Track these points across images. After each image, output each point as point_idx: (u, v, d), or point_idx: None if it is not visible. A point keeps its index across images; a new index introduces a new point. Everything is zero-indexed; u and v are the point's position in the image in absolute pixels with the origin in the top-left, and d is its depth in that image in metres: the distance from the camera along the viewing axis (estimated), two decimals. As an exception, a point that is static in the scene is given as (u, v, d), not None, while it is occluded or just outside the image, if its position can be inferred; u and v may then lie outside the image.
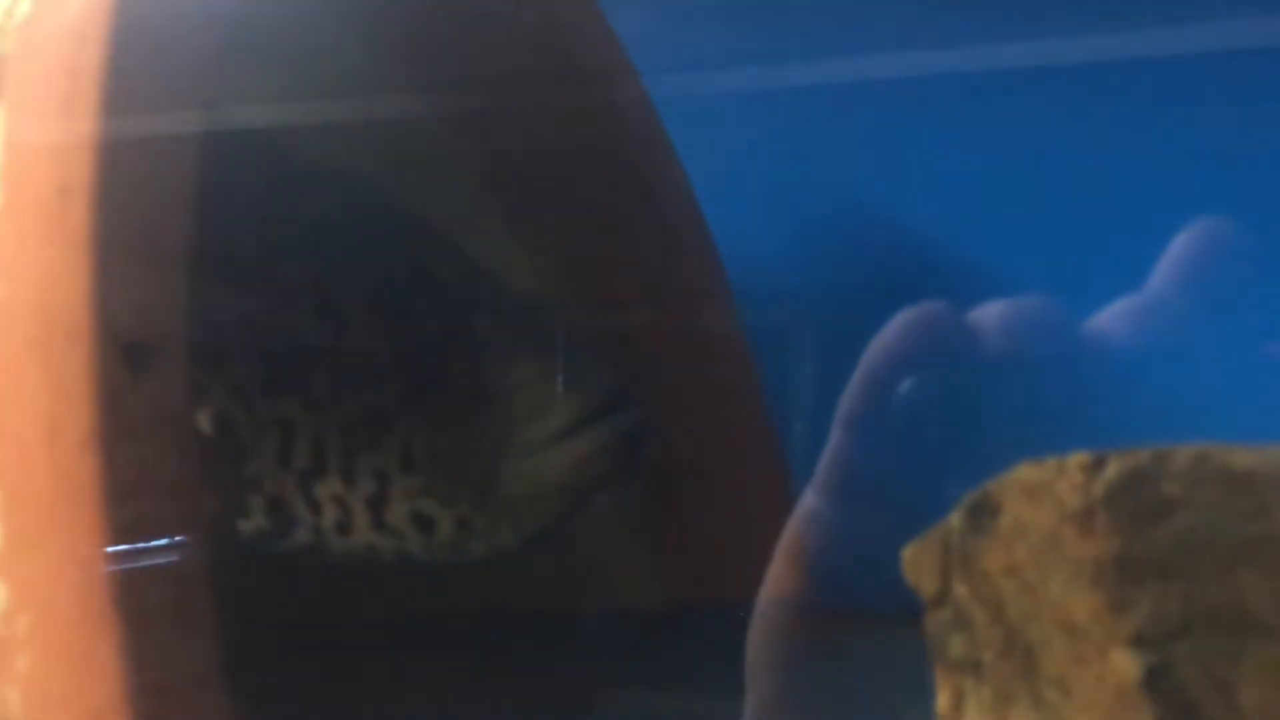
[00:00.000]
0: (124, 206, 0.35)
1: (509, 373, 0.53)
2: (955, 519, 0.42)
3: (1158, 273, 0.50)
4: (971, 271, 0.81)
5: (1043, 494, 0.39)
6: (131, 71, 0.36)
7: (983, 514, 0.41)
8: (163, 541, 0.32)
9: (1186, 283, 0.49)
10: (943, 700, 0.43)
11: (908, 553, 0.44)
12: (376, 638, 0.76)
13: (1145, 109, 0.74)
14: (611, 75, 0.73)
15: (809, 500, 0.52)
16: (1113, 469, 0.37)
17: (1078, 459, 0.38)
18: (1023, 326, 0.50)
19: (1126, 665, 0.36)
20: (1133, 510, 0.37)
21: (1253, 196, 0.72)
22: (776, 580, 0.52)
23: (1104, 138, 0.75)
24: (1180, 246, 0.50)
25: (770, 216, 0.84)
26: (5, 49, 0.38)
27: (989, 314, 0.50)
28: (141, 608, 0.31)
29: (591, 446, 0.52)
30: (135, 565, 0.31)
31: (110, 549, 0.31)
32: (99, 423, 0.32)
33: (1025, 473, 0.40)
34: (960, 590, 0.42)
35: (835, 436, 0.50)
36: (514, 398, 0.52)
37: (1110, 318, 0.50)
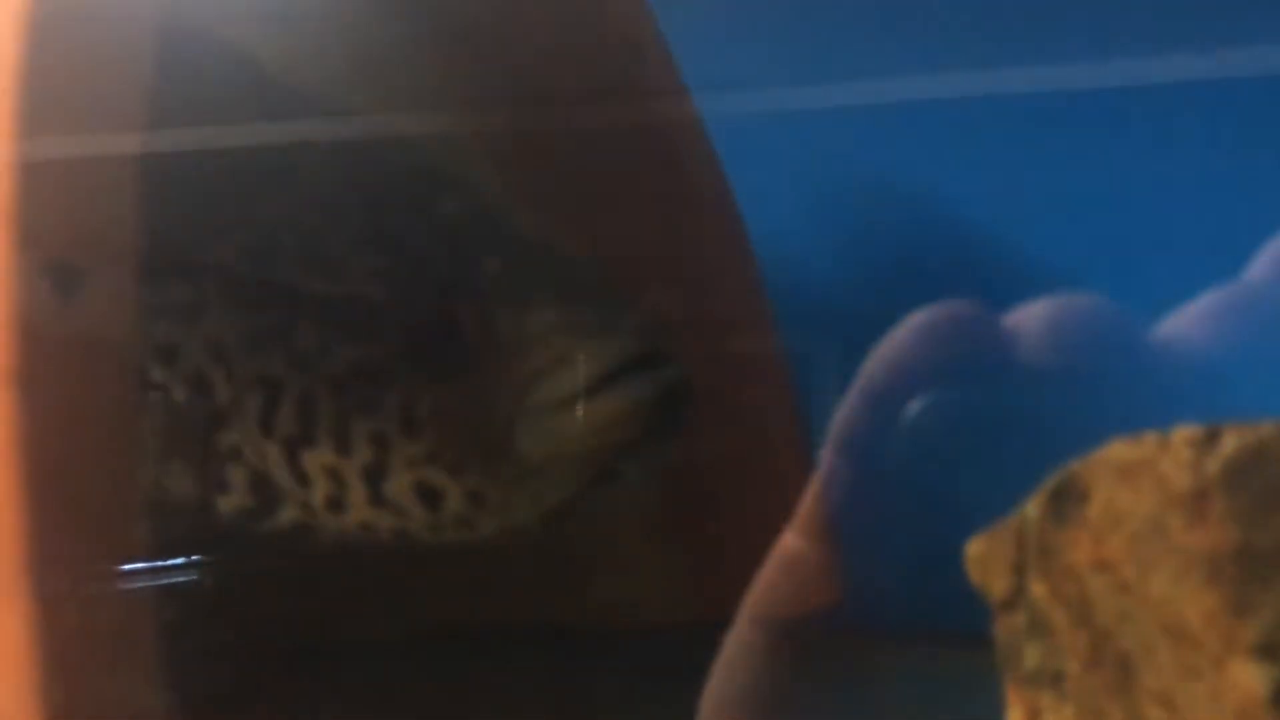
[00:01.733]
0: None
1: (524, 320, 0.46)
2: (1032, 507, 0.36)
3: (1258, 264, 0.42)
4: (1028, 295, 0.80)
5: (1142, 475, 0.33)
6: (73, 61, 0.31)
7: (1067, 499, 0.35)
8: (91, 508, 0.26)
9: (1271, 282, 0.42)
10: (1015, 718, 0.37)
11: (973, 548, 0.38)
12: (369, 656, 0.74)
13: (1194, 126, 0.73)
14: (662, 92, 0.69)
15: (790, 543, 0.45)
16: (1230, 444, 0.32)
17: (1185, 433, 0.32)
18: (1074, 331, 0.42)
19: (1249, 678, 0.30)
20: (1256, 493, 0.31)
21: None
22: (739, 640, 0.46)
23: (1167, 155, 0.74)
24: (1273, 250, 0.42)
25: (815, 236, 0.82)
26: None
27: (1030, 316, 0.42)
28: (59, 578, 0.26)
29: (620, 405, 0.46)
30: (57, 535, 0.26)
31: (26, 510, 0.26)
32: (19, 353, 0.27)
33: (1120, 451, 0.34)
34: (1038, 590, 0.36)
35: (826, 465, 0.43)
36: (531, 349, 0.46)
37: (1192, 319, 0.42)
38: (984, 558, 0.38)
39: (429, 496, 0.48)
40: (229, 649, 0.50)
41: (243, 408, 0.48)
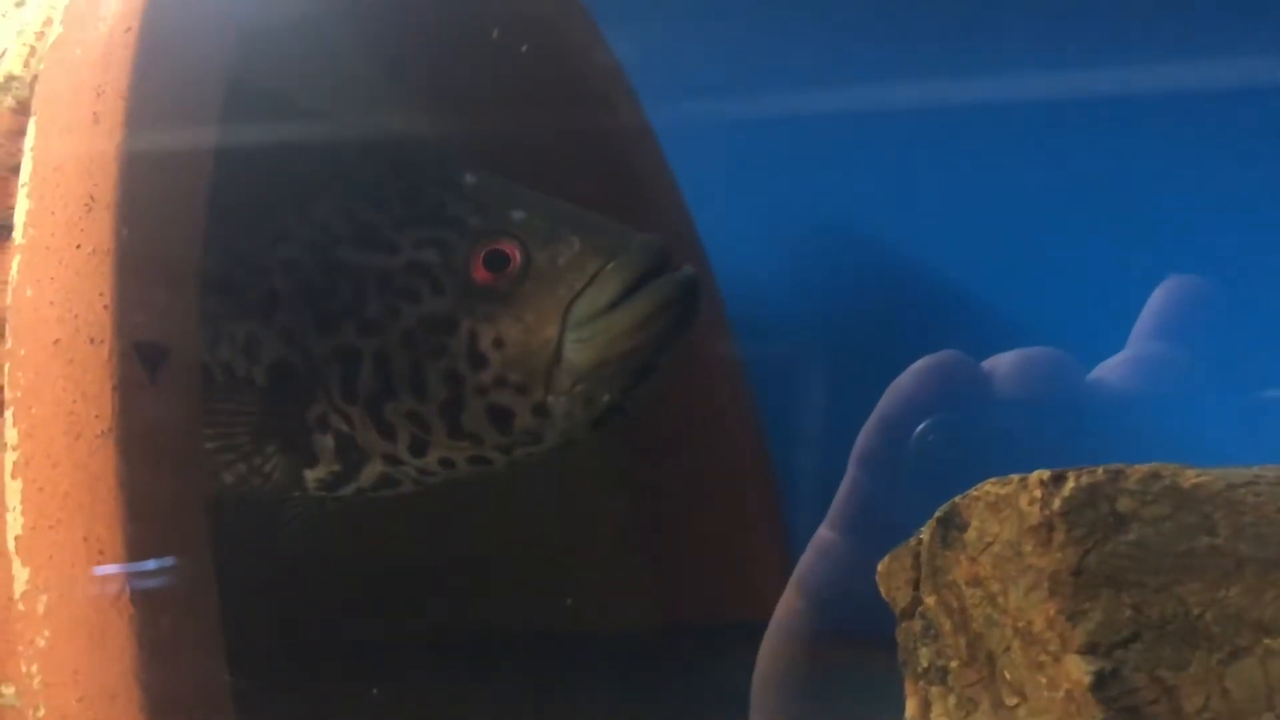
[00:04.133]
0: (144, 219, 0.37)
1: (555, 252, 0.52)
2: (925, 532, 0.44)
3: (1139, 326, 0.54)
4: (965, 297, 0.83)
5: (1006, 508, 0.41)
6: (153, 91, 0.39)
7: (951, 526, 0.43)
8: (174, 532, 0.34)
9: (1165, 334, 0.53)
10: (911, 708, 0.45)
11: (882, 566, 0.46)
12: (364, 656, 0.78)
13: (1156, 145, 0.77)
14: (611, 100, 0.74)
15: (824, 534, 0.54)
16: (1070, 485, 0.40)
17: (1038, 475, 0.40)
18: (1032, 375, 0.53)
19: (1078, 671, 0.38)
20: (1089, 524, 0.39)
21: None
22: (787, 607, 0.54)
23: (1105, 173, 0.78)
24: (1156, 301, 0.54)
25: (767, 244, 0.86)
26: (37, 69, 0.41)
27: (1002, 363, 0.54)
28: (153, 593, 0.33)
29: (651, 304, 0.52)
30: (148, 555, 0.34)
31: (125, 536, 0.33)
32: (117, 419, 0.34)
33: (990, 488, 0.42)
34: (929, 601, 0.44)
35: (851, 473, 0.53)
36: (565, 275, 0.52)
37: (1108, 368, 0.54)
38: (889, 574, 0.46)
39: (500, 418, 0.53)
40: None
41: (325, 381, 0.53)
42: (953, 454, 0.53)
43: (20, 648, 0.33)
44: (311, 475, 0.56)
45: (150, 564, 0.33)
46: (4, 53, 0.42)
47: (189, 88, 0.39)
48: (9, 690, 0.34)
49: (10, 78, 0.41)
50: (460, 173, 0.55)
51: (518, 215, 0.54)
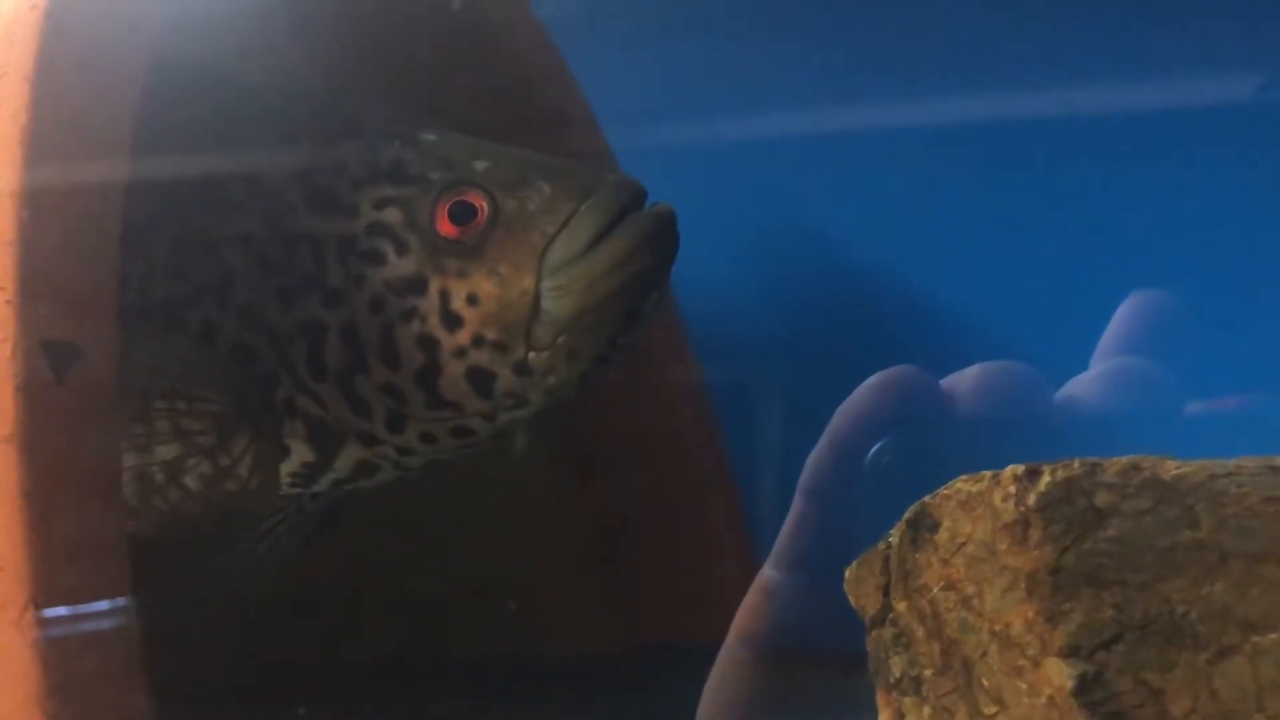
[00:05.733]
0: (53, 207, 0.34)
1: (524, 199, 0.50)
2: (895, 535, 0.42)
3: (1105, 342, 0.52)
4: (931, 314, 0.82)
5: (978, 505, 0.39)
6: (62, 71, 0.36)
7: (921, 528, 0.41)
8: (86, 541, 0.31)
9: (1133, 349, 0.51)
10: (883, 720, 0.43)
11: (850, 572, 0.44)
12: (326, 681, 0.75)
13: (1122, 160, 0.76)
14: (571, 120, 0.74)
15: (769, 574, 0.51)
16: (1046, 479, 0.38)
17: (1011, 470, 0.38)
18: (998, 391, 0.51)
19: (1059, 675, 0.36)
20: (1066, 520, 0.37)
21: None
22: (730, 657, 0.51)
23: (1076, 192, 0.77)
24: (1123, 316, 0.52)
25: (729, 261, 0.84)
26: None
27: (963, 379, 0.51)
28: (62, 617, 0.30)
29: (629, 241, 0.49)
30: (55, 573, 0.31)
31: (29, 553, 0.30)
32: (19, 424, 0.31)
33: (961, 485, 0.40)
34: (900, 607, 0.42)
35: (798, 506, 0.50)
36: (537, 221, 0.49)
37: (1078, 384, 0.52)
38: (857, 580, 0.44)
39: (481, 381, 0.50)
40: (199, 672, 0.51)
41: (290, 361, 0.50)
42: (910, 477, 0.49)
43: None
44: (284, 469, 0.53)
45: (58, 584, 0.30)
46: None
47: (102, 65, 0.37)
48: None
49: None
50: (418, 130, 0.52)
51: (481, 165, 0.51)
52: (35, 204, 0.34)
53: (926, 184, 0.79)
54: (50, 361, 0.33)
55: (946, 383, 0.51)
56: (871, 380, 0.50)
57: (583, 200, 0.50)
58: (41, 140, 0.35)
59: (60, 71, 0.36)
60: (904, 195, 0.80)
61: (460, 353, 0.49)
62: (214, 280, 0.51)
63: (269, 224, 0.51)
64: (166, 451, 0.50)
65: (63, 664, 0.30)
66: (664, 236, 0.50)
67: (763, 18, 0.80)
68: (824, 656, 0.52)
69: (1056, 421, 0.51)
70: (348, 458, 0.52)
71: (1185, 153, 0.74)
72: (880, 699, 0.43)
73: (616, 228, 0.49)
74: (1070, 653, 0.36)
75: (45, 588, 0.30)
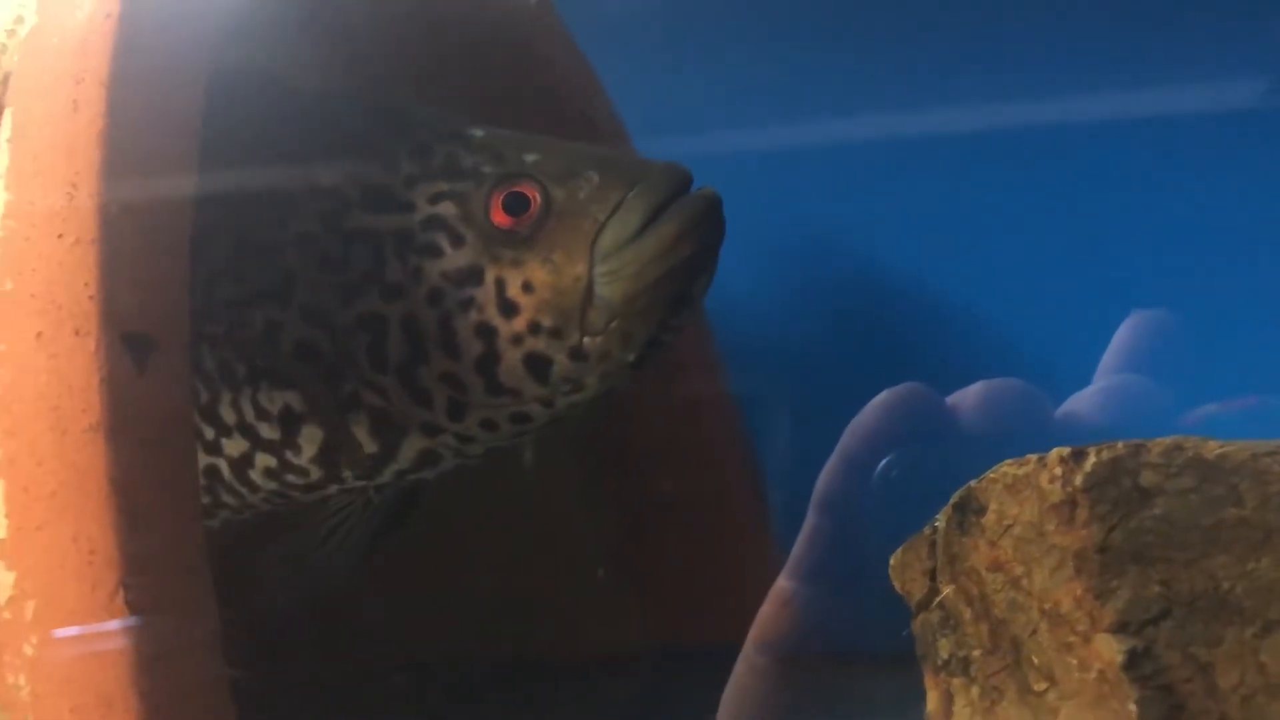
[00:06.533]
0: (129, 206, 0.36)
1: (574, 188, 0.51)
2: (941, 519, 0.43)
3: (1106, 359, 0.54)
4: (962, 328, 0.83)
5: (1025, 488, 0.40)
6: (133, 76, 0.37)
7: (967, 511, 0.42)
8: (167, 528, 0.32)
9: (1132, 366, 0.54)
10: (932, 702, 0.44)
11: (895, 558, 0.45)
12: (342, 687, 0.76)
13: (1133, 175, 0.77)
14: (598, 130, 0.74)
15: (784, 585, 0.52)
16: (1091, 460, 0.39)
17: (1057, 453, 0.39)
18: (1000, 407, 0.52)
19: (1109, 650, 0.37)
20: (1113, 499, 0.38)
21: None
22: (748, 665, 0.53)
23: (1092, 198, 0.78)
24: (1123, 334, 0.54)
25: (761, 280, 0.85)
26: (9, 67, 0.39)
27: (967, 396, 0.53)
28: (147, 592, 0.32)
29: (678, 225, 0.50)
30: (142, 554, 0.32)
31: (118, 536, 0.32)
32: (105, 413, 0.33)
33: (1007, 469, 0.41)
34: (947, 590, 0.43)
35: (811, 519, 0.51)
36: (588, 209, 0.50)
37: (1078, 400, 0.54)
38: (903, 566, 0.45)
39: (538, 367, 0.51)
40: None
41: (352, 356, 0.51)
42: (918, 490, 0.52)
43: (6, 658, 0.31)
44: (349, 462, 0.54)
45: (145, 562, 0.31)
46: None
47: (171, 72, 0.38)
48: (-9, 705, 0.32)
49: (-14, 74, 0.40)
50: (467, 128, 0.54)
51: (531, 158, 0.52)
52: (113, 203, 0.35)
53: (948, 193, 0.80)
54: (130, 354, 0.34)
55: (951, 399, 0.53)
56: (880, 397, 0.52)
57: (631, 187, 0.51)
58: (118, 142, 0.36)
59: (133, 77, 0.37)
60: (928, 204, 0.80)
61: (517, 339, 0.50)
62: (275, 280, 0.52)
63: (327, 223, 0.52)
64: (233, 447, 0.51)
65: (153, 642, 0.31)
66: (711, 220, 0.51)
67: (786, 26, 0.81)
68: (840, 662, 0.54)
69: (1056, 436, 0.52)
70: (410, 448, 0.53)
71: (1202, 168, 0.75)
72: (928, 681, 0.44)
73: (664, 213, 0.50)
74: (1119, 628, 0.37)
75: (135, 569, 0.31)
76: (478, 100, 0.68)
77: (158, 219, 0.36)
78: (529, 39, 0.72)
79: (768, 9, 0.82)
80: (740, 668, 0.53)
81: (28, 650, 0.31)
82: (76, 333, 0.33)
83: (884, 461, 0.52)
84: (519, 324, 0.50)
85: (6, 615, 0.31)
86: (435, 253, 0.51)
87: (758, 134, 0.80)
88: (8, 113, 0.37)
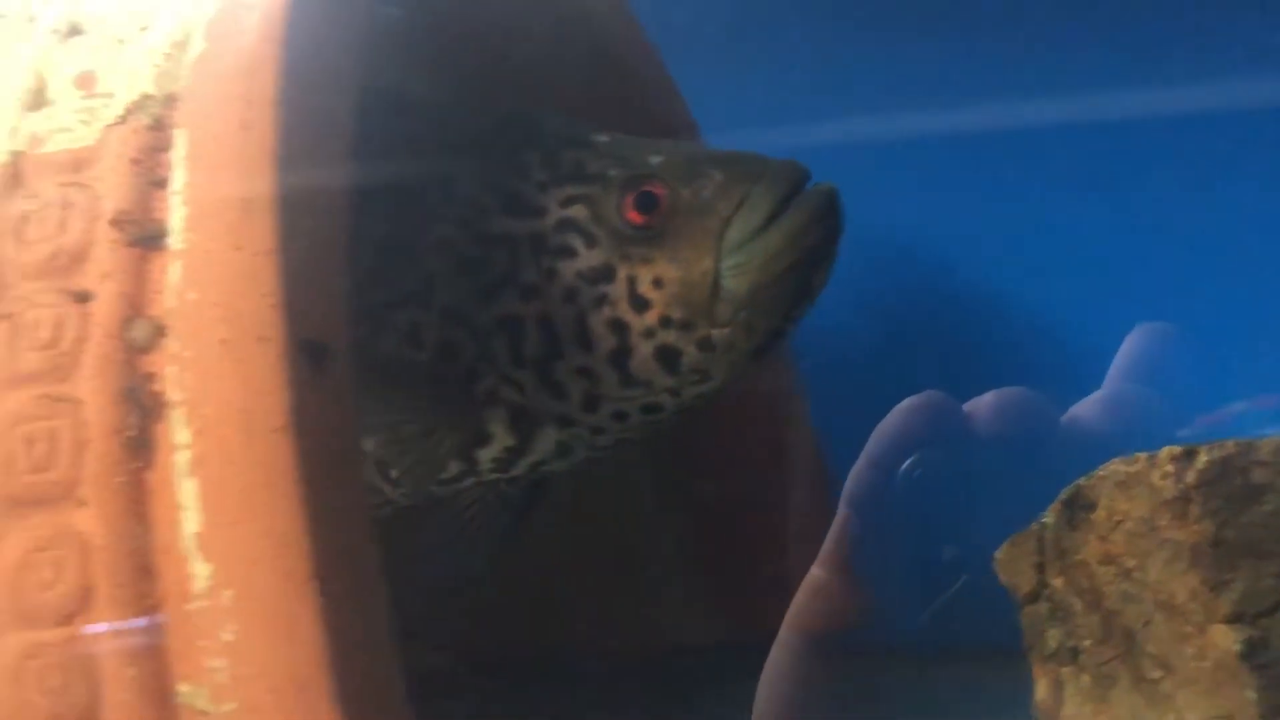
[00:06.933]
0: (299, 218, 0.38)
1: (699, 186, 0.53)
2: (1049, 516, 0.45)
3: (1113, 368, 0.58)
4: (1027, 324, 0.84)
5: (1136, 485, 0.42)
6: (301, 97, 0.39)
7: (1077, 508, 0.44)
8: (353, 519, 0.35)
9: (1134, 376, 0.58)
10: (1041, 690, 0.45)
11: (1001, 554, 0.47)
12: (429, 679, 0.78)
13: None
14: (674, 131, 0.76)
15: (816, 574, 0.56)
16: (1203, 458, 0.40)
17: (1168, 451, 0.41)
18: (1009, 413, 0.57)
19: (1226, 640, 0.39)
20: (1224, 495, 0.40)
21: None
22: (783, 647, 0.57)
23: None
24: (1128, 345, 0.58)
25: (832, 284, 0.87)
26: (180, 84, 0.41)
27: (981, 403, 0.57)
28: (337, 582, 0.34)
29: (802, 218, 0.52)
30: (328, 546, 0.34)
31: (307, 529, 0.34)
32: (290, 416, 0.35)
33: (1116, 468, 0.43)
34: (1057, 583, 0.45)
35: (841, 514, 0.56)
36: (714, 205, 0.52)
37: (1081, 407, 0.57)
38: (1010, 560, 0.46)
39: (668, 358, 0.53)
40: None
41: (491, 354, 0.53)
42: (937, 488, 0.56)
43: (203, 643, 0.33)
44: (485, 455, 0.56)
45: (333, 554, 0.33)
46: (135, 74, 0.43)
47: (330, 90, 0.40)
48: (185, 688, 0.34)
49: (145, 97, 0.42)
50: (591, 134, 0.56)
51: (655, 159, 0.54)
52: (287, 215, 0.37)
53: (974, 192, 0.81)
54: (308, 359, 0.36)
55: (968, 406, 0.57)
56: (903, 404, 0.57)
57: (754, 184, 0.53)
58: (286, 158, 0.38)
59: (297, 97, 0.39)
60: (954, 204, 0.82)
61: (649, 333, 0.52)
62: (418, 284, 0.54)
63: (465, 229, 0.54)
64: (372, 444, 0.54)
65: (344, 629, 0.33)
66: (831, 214, 0.52)
67: (864, 26, 0.82)
68: (868, 649, 0.58)
69: (1061, 440, 0.57)
70: (545, 440, 0.55)
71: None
72: (1036, 670, 0.46)
73: (787, 208, 0.52)
74: (1235, 619, 0.39)
75: (324, 560, 0.34)
76: (558, 101, 0.69)
77: (325, 229, 0.38)
78: (606, 38, 0.72)
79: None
80: (776, 651, 0.57)
81: (227, 636, 0.33)
82: (260, 339, 0.35)
83: (907, 462, 0.56)
84: (650, 318, 0.52)
85: (205, 603, 0.33)
86: (569, 253, 0.53)
87: (832, 131, 0.80)
88: (181, 133, 0.39)
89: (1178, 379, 0.57)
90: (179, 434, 0.35)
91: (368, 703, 0.33)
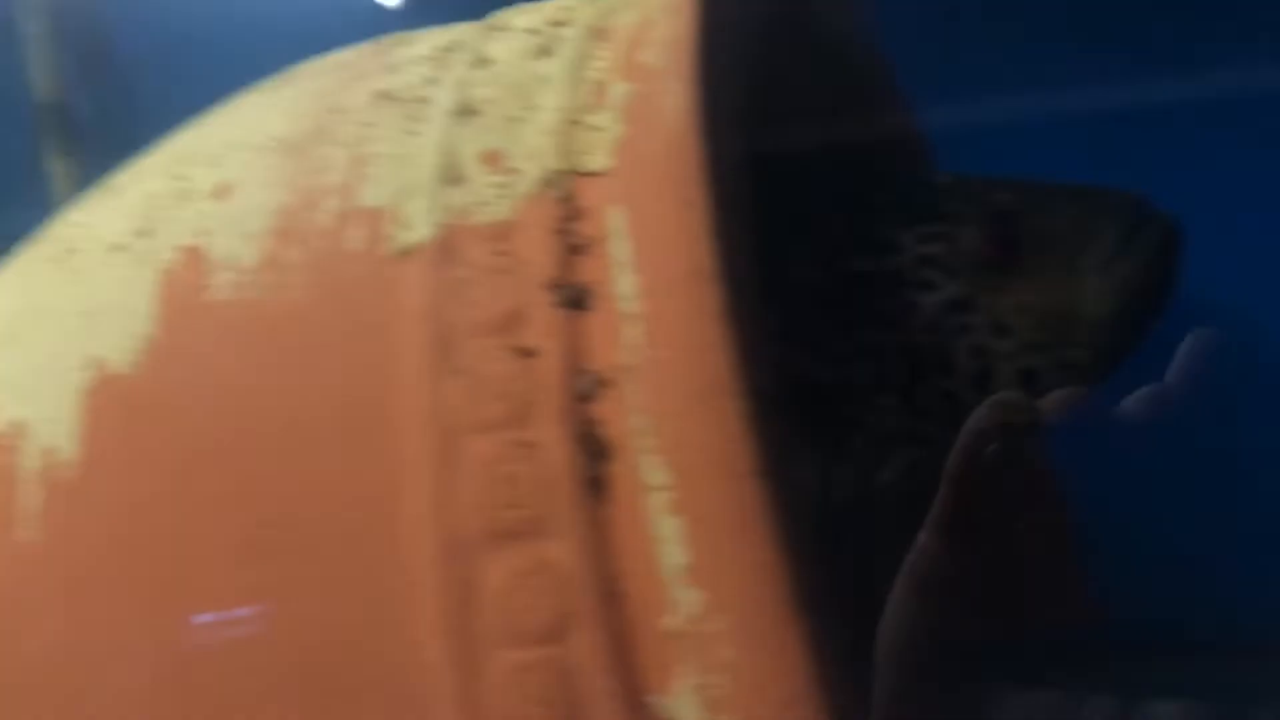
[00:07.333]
0: (730, 282, 0.43)
1: (1051, 220, 0.57)
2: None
3: (1171, 369, 0.59)
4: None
5: None
6: (716, 168, 0.44)
7: None
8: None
9: (1190, 380, 0.59)
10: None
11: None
12: None
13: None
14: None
15: (922, 537, 0.56)
16: None
17: None
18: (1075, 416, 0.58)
19: None
20: None
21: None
22: (898, 597, 0.56)
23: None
24: (1186, 349, 0.59)
25: None
26: (597, 162, 0.47)
27: (1052, 403, 0.58)
28: (816, 604, 0.39)
29: (1149, 249, 0.56)
30: (806, 572, 0.39)
31: (786, 562, 0.39)
32: (758, 460, 0.40)
33: None
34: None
35: (923, 540, 0.56)
36: (1066, 237, 0.57)
37: (1132, 401, 0.59)
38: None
39: (1029, 379, 0.57)
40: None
41: (850, 381, 0.58)
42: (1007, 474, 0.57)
43: (702, 661, 0.38)
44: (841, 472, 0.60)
45: (810, 581, 0.38)
46: (537, 151, 0.48)
47: (732, 154, 0.45)
48: (663, 700, 0.39)
49: (553, 172, 0.47)
50: (935, 175, 0.61)
51: (1004, 197, 0.59)
52: (725, 282, 0.42)
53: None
54: (763, 407, 0.41)
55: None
56: (970, 426, 0.57)
57: (1103, 215, 0.57)
58: (718, 227, 0.43)
59: (716, 169, 0.44)
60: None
61: (1010, 356, 0.57)
62: (780, 322, 0.59)
63: (827, 268, 0.59)
64: None
65: (827, 648, 0.38)
66: (1175, 243, 0.57)
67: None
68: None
69: (1113, 438, 0.58)
70: (901, 459, 0.60)
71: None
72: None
73: (1135, 237, 0.56)
74: None
75: (806, 587, 0.39)
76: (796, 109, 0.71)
77: (753, 288, 0.43)
78: (840, 42, 0.73)
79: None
80: (890, 605, 0.57)
81: (726, 655, 0.38)
82: (727, 393, 0.40)
83: (991, 447, 0.57)
84: (1011, 343, 0.57)
85: (704, 626, 0.38)
86: (930, 287, 0.57)
87: (1061, 132, 0.82)
88: (619, 210, 0.44)
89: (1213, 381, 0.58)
90: (654, 475, 0.40)
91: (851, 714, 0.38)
